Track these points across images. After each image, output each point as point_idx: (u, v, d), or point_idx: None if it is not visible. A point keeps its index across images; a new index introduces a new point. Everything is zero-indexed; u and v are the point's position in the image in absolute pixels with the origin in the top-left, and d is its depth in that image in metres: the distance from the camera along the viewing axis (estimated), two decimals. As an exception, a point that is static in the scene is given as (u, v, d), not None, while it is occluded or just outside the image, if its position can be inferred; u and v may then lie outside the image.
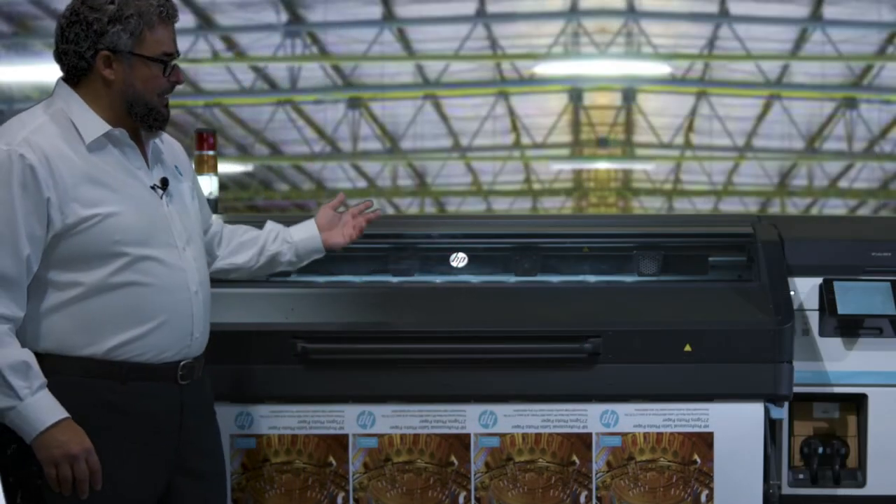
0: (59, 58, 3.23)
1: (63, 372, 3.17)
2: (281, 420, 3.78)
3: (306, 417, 3.78)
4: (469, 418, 3.79)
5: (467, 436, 3.79)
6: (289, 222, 3.70)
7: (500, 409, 3.79)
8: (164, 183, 3.30)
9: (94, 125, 3.21)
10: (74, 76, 3.23)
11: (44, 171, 3.12)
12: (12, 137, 3.15)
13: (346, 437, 3.79)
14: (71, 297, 3.18)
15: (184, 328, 3.27)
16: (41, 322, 3.17)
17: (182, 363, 3.28)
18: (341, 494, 3.78)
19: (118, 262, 3.18)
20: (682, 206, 28.35)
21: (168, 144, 3.45)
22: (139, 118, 3.24)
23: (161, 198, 3.28)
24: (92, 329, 3.18)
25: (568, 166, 24.88)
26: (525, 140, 23.98)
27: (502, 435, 3.79)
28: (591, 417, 3.79)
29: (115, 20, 3.16)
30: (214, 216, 3.73)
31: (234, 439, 3.78)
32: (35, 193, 3.12)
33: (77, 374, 3.17)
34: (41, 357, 3.15)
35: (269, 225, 3.70)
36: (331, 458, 3.78)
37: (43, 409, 3.09)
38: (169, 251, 3.25)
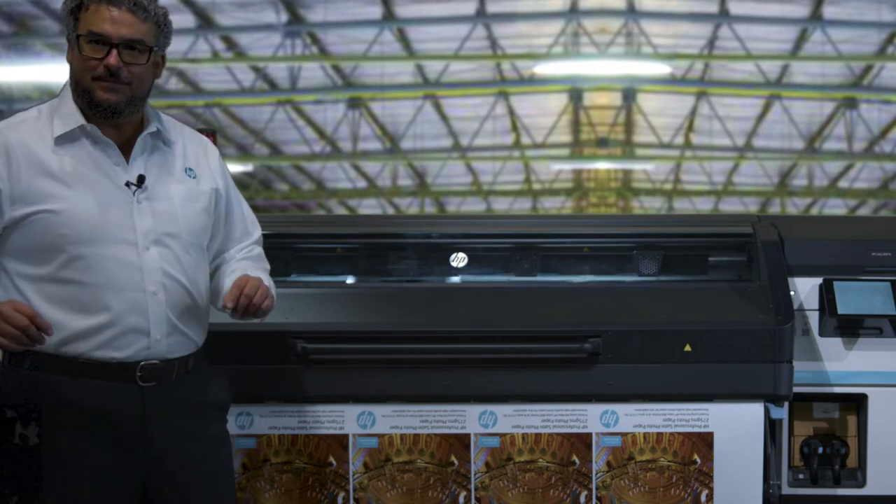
0: None
1: (16, 364, 3.18)
2: (281, 420, 3.78)
3: (306, 417, 3.78)
4: (469, 418, 3.79)
5: (467, 436, 3.78)
6: (289, 222, 3.67)
7: (500, 409, 3.78)
8: (140, 180, 3.26)
9: (70, 120, 3.23)
10: None
11: (1, 162, 3.18)
12: None
13: (346, 437, 3.79)
14: (21, 289, 3.19)
15: (137, 328, 3.23)
16: None
17: (142, 364, 3.24)
18: (341, 494, 3.78)
19: (61, 257, 3.18)
20: (682, 206, 28.34)
21: (197, 145, 3.45)
22: (84, 104, 3.25)
23: (133, 195, 3.25)
24: None
25: (568, 166, 24.87)
26: (525, 140, 23.98)
27: (502, 435, 3.79)
28: (591, 417, 3.79)
29: (64, 7, 3.25)
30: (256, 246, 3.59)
31: (235, 439, 3.77)
32: None
33: (29, 367, 3.18)
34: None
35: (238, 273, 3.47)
36: (331, 458, 3.78)
37: None
38: (125, 249, 3.22)
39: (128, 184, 3.25)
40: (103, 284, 3.19)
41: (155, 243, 3.25)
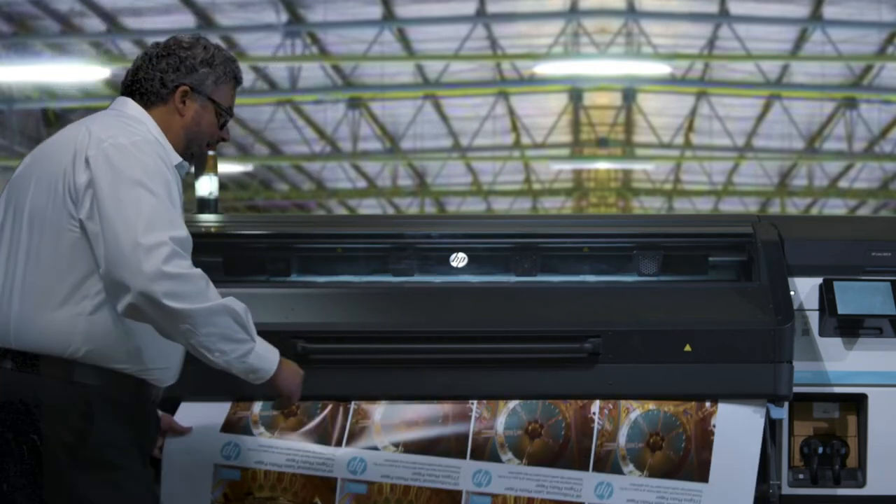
0: (141, 82, 3.33)
1: (90, 381, 3.18)
2: (269, 455, 3.71)
3: (295, 456, 3.71)
4: (462, 475, 3.69)
5: (459, 492, 3.68)
6: (289, 222, 3.66)
7: (495, 469, 3.69)
8: None
9: (172, 150, 3.31)
10: (149, 101, 3.33)
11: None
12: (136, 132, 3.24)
13: (334, 480, 3.68)
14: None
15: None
16: (97, 327, 3.18)
17: (159, 388, 3.34)
18: None
19: None
20: (682, 206, 28.34)
21: None
22: (189, 157, 3.36)
23: None
24: (137, 345, 3.21)
25: (568, 166, 24.88)
26: (525, 140, 23.98)
27: (494, 495, 3.68)
28: (590, 417, 3.77)
29: (207, 64, 3.34)
30: None
31: (218, 469, 3.69)
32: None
33: (105, 381, 3.19)
34: (69, 363, 3.15)
35: None
36: (316, 499, 3.67)
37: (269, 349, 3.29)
38: None
39: None
40: None
41: None
